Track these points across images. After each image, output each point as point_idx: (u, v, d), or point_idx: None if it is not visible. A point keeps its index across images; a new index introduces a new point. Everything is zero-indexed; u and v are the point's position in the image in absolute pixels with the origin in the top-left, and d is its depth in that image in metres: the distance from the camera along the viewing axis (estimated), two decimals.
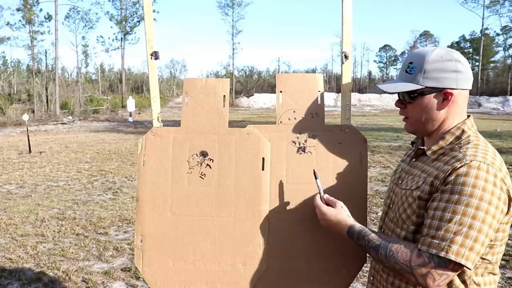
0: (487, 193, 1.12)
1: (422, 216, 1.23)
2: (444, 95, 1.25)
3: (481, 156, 1.17)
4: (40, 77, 32.54)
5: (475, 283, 1.21)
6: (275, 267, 1.64)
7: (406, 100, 1.31)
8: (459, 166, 1.16)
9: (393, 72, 73.83)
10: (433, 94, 1.26)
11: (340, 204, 1.42)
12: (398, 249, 1.20)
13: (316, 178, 1.52)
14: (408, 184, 1.31)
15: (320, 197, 1.47)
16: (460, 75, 1.24)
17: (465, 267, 1.12)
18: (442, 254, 1.11)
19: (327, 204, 1.44)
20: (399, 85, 1.30)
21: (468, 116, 1.31)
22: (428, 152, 1.30)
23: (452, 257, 1.10)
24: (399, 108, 1.38)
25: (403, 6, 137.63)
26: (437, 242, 1.13)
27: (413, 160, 1.38)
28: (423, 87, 1.25)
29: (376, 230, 1.50)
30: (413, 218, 1.25)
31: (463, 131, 1.27)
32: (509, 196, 1.16)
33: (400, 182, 1.39)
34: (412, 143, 1.52)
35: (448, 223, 1.12)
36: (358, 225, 1.34)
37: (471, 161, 1.15)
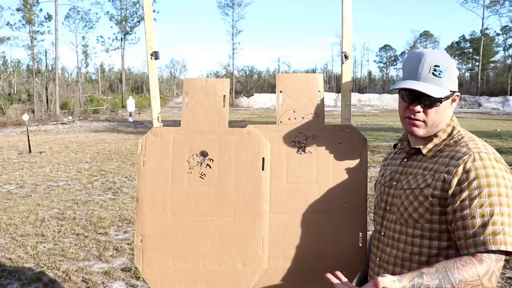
0: (507, 180, 1.18)
1: (437, 213, 1.23)
2: (454, 97, 1.32)
3: (483, 148, 1.23)
4: (40, 77, 32.54)
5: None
6: (275, 267, 1.64)
7: (430, 105, 1.27)
8: (470, 159, 1.19)
9: (393, 72, 73.78)
10: (451, 97, 1.30)
11: (387, 278, 1.12)
12: (460, 271, 1.13)
13: None
14: (411, 184, 1.31)
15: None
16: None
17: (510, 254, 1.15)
18: (503, 247, 1.12)
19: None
20: (435, 89, 1.25)
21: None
22: (424, 151, 1.32)
23: (510, 248, 1.12)
24: (408, 111, 1.31)
25: (403, 6, 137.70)
26: (491, 237, 1.13)
27: (405, 160, 1.39)
28: (449, 91, 1.28)
29: (373, 233, 1.50)
30: (427, 216, 1.25)
31: (453, 128, 1.32)
32: None
33: (394, 183, 1.38)
34: (395, 145, 1.52)
35: (491, 216, 1.14)
36: (406, 282, 1.14)
37: (479, 153, 1.20)
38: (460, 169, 1.19)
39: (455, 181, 1.19)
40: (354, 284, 1.62)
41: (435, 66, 1.26)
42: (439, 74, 1.26)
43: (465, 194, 1.18)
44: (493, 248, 1.13)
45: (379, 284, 1.09)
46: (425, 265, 1.25)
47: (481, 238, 1.14)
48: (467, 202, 1.17)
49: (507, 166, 1.23)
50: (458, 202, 1.19)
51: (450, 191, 1.20)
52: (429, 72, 1.26)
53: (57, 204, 6.40)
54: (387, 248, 1.37)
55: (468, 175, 1.18)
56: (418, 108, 1.28)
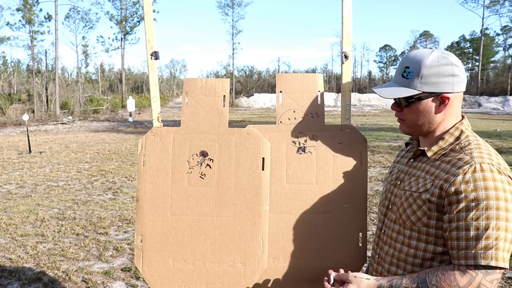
0: (508, 193, 1.15)
1: (434, 218, 1.23)
2: (441, 99, 1.26)
3: (487, 157, 1.19)
4: (40, 77, 32.54)
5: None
6: (275, 267, 1.64)
7: (402, 104, 1.31)
8: (470, 170, 1.16)
9: (393, 72, 73.72)
10: (431, 99, 1.26)
11: (351, 275, 1.26)
12: (438, 279, 1.16)
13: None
14: (412, 186, 1.30)
15: (329, 280, 1.30)
16: (456, 78, 1.25)
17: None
18: (493, 263, 1.11)
19: (341, 283, 1.27)
20: (396, 90, 1.29)
21: (463, 117, 1.33)
22: (429, 153, 1.30)
23: (501, 264, 1.11)
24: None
25: (403, 6, 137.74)
26: (483, 252, 1.12)
27: (411, 160, 1.38)
28: (420, 92, 1.25)
29: (375, 230, 1.50)
30: (424, 220, 1.25)
31: (461, 132, 1.29)
32: None
33: (399, 183, 1.38)
34: (407, 144, 1.52)
35: (486, 230, 1.12)
36: (384, 282, 1.23)
37: (481, 164, 1.17)
38: (459, 178, 1.17)
39: (452, 190, 1.17)
40: None
41: (405, 67, 1.29)
42: (407, 75, 1.27)
43: (462, 205, 1.16)
44: (483, 263, 1.12)
45: (349, 277, 1.24)
46: (419, 267, 1.26)
47: (473, 251, 1.13)
48: (463, 214, 1.15)
49: (511, 173, 1.20)
50: (454, 212, 1.17)
51: (447, 200, 1.19)
52: (399, 74, 1.30)
53: (57, 204, 6.40)
54: (385, 246, 1.38)
55: (466, 186, 1.16)
56: (393, 106, 1.36)
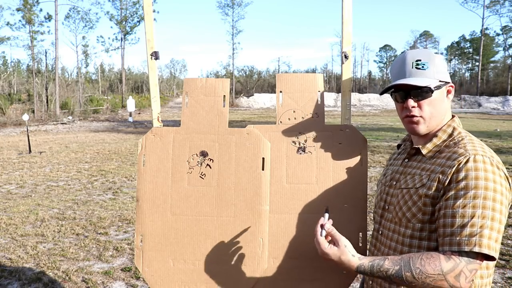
0: (498, 185, 1.17)
1: (428, 213, 1.24)
2: (448, 88, 1.33)
3: (481, 150, 1.22)
4: (40, 77, 32.54)
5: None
6: (275, 267, 1.64)
7: (422, 96, 1.28)
8: (464, 160, 1.19)
9: None
10: (444, 88, 1.31)
11: (343, 242, 1.25)
12: (423, 262, 1.15)
13: (326, 212, 1.37)
14: (408, 183, 1.32)
15: (321, 232, 1.29)
16: None
17: (490, 259, 1.14)
18: (476, 249, 1.12)
19: (330, 239, 1.28)
20: (423, 80, 1.27)
21: (453, 116, 1.37)
22: (424, 151, 1.32)
23: (485, 250, 1.11)
24: (404, 110, 1.33)
25: (403, 6, 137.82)
26: (467, 239, 1.13)
27: (406, 160, 1.40)
28: (438, 80, 1.29)
29: (372, 232, 1.50)
30: (419, 216, 1.26)
31: (454, 129, 1.32)
32: (510, 185, 1.22)
33: (394, 183, 1.39)
34: (398, 146, 1.54)
35: (471, 218, 1.14)
36: (366, 262, 1.22)
37: (475, 155, 1.19)
38: (454, 169, 1.20)
39: (447, 181, 1.20)
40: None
41: (417, 60, 1.30)
42: (423, 67, 1.29)
43: (451, 193, 1.18)
44: (466, 249, 1.12)
45: (340, 242, 1.24)
46: None
47: (457, 238, 1.14)
48: (451, 201, 1.18)
49: (504, 171, 1.22)
50: (443, 200, 1.20)
51: (442, 191, 1.21)
52: (412, 68, 1.30)
53: (57, 204, 6.40)
54: (382, 246, 1.39)
55: (458, 175, 1.18)
56: (412, 103, 1.30)
